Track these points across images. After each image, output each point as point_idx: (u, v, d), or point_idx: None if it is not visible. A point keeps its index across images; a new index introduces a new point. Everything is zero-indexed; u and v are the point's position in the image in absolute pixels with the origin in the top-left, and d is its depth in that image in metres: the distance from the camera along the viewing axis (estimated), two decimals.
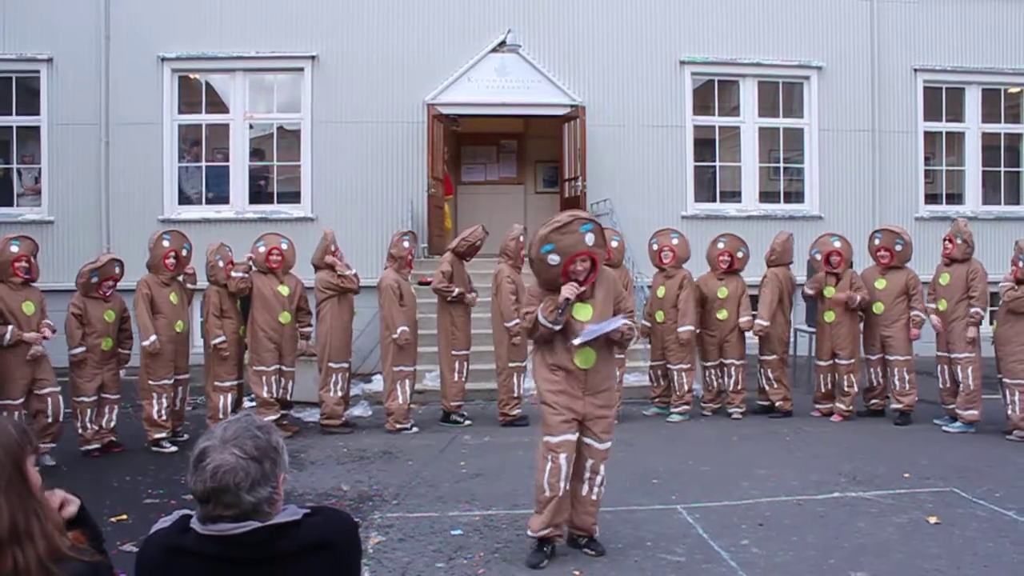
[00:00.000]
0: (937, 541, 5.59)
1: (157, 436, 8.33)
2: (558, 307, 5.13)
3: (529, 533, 5.37)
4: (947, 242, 9.13)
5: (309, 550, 2.07)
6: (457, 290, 9.25)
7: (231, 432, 2.08)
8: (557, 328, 5.17)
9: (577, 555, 5.39)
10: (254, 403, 8.96)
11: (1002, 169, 14.98)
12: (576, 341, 5.14)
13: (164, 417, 8.36)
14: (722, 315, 9.63)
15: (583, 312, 5.26)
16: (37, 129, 13.20)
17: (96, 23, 12.95)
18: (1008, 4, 14.54)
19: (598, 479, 5.40)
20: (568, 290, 5.15)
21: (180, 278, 8.76)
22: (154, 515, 6.06)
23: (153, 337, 8.22)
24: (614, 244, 9.37)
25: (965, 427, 8.86)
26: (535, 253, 5.22)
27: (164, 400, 8.35)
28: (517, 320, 8.97)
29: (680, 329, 9.39)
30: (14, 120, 13.31)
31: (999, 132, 14.99)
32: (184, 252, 8.70)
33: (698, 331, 9.60)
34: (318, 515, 2.15)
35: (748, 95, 14.19)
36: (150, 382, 8.34)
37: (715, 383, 9.79)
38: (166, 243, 8.56)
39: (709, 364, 9.77)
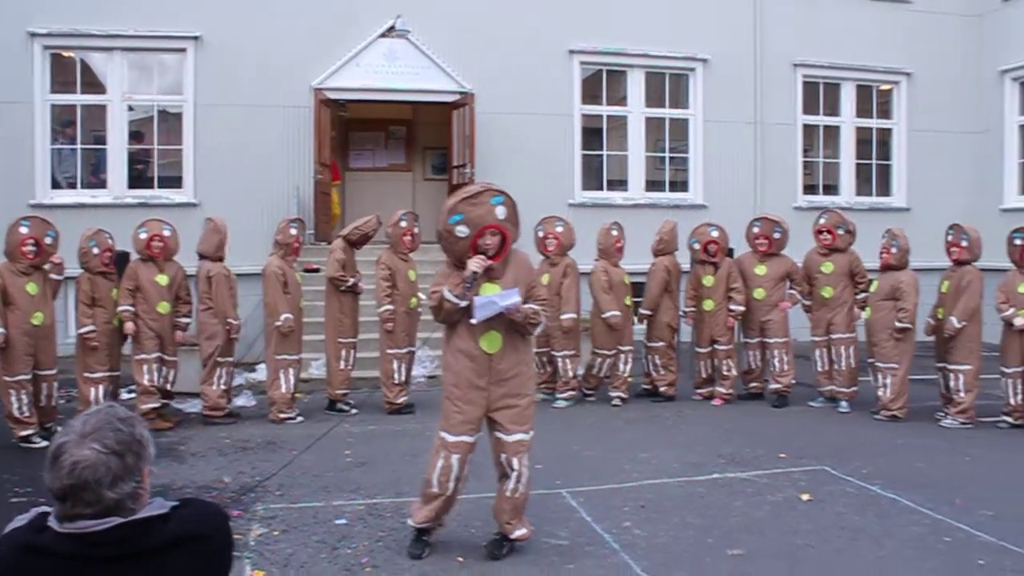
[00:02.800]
0: (808, 517, 5.83)
1: (23, 433, 7.95)
2: (464, 281, 4.90)
3: (410, 522, 5.28)
4: (826, 233, 9.47)
5: (176, 544, 1.99)
6: (351, 280, 9.16)
7: (91, 426, 1.98)
8: (463, 304, 4.92)
9: (463, 542, 5.38)
10: (133, 394, 8.67)
11: (874, 162, 15.64)
12: (474, 319, 4.91)
13: (27, 413, 7.94)
14: (628, 300, 9.77)
15: (491, 292, 5.00)
16: None
17: None
18: (882, 7, 15.18)
19: (515, 475, 5.14)
20: (475, 263, 4.89)
21: (47, 267, 8.26)
22: (20, 514, 5.83)
23: None
24: (559, 228, 9.45)
25: (849, 405, 9.26)
26: (443, 224, 4.97)
27: (24, 396, 7.91)
28: (387, 306, 8.94)
29: (563, 316, 9.49)
30: None
31: (871, 127, 15.64)
32: (48, 240, 8.14)
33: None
34: (186, 508, 2.07)
35: (635, 85, 14.41)
36: (5, 378, 7.87)
37: (604, 368, 9.92)
38: (24, 230, 8.00)
39: (606, 352, 9.84)
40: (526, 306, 5.02)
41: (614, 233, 9.81)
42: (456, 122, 13.64)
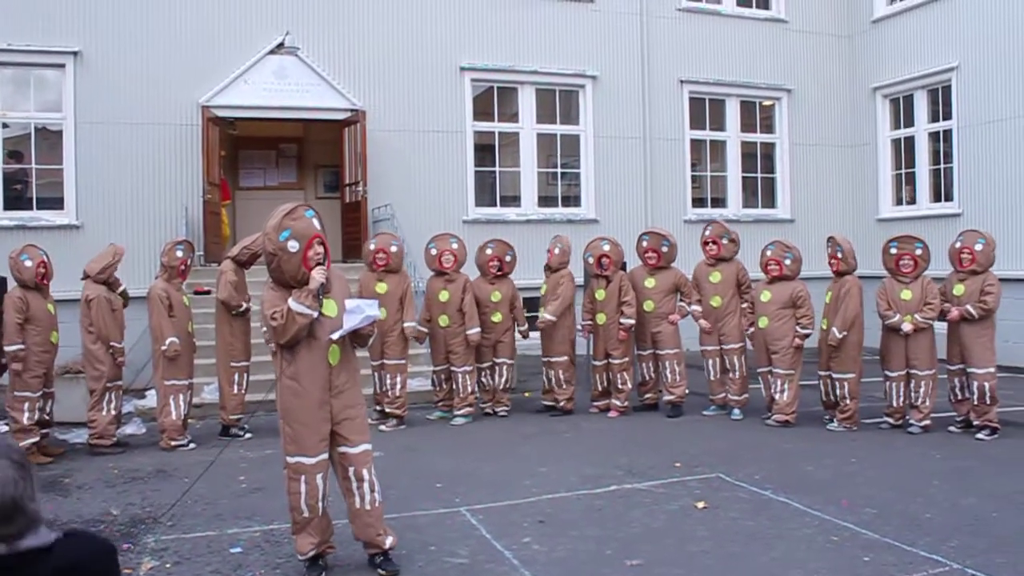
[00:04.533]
0: (705, 524, 5.95)
1: None
2: (312, 292, 4.90)
3: (300, 557, 5.20)
4: (712, 244, 9.74)
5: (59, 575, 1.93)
6: (245, 305, 8.98)
7: None
8: (315, 315, 4.92)
9: (360, 563, 5.32)
10: (7, 426, 8.29)
11: (759, 175, 16.19)
12: (336, 334, 4.96)
13: None
14: (496, 318, 9.86)
15: (329, 308, 5.04)
16: None
17: None
18: (762, 26, 15.76)
19: (365, 486, 5.13)
20: (319, 273, 4.93)
21: None
22: None
23: None
24: (393, 249, 9.37)
25: (742, 412, 9.51)
26: (273, 244, 4.92)
27: None
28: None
29: (469, 332, 9.52)
30: None
31: (756, 141, 16.18)
32: None
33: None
34: (70, 539, 2.01)
35: (526, 102, 14.58)
36: None
37: (492, 382, 9.99)
38: None
39: (483, 365, 9.95)
40: (379, 311, 5.20)
41: (488, 252, 9.97)
42: (348, 140, 13.53)
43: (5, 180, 12.47)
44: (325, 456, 5.11)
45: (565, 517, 6.19)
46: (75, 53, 12.36)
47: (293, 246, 4.94)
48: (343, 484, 5.20)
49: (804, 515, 6.12)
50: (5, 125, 12.56)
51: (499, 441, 8.78)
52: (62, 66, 12.44)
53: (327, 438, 5.10)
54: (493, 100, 14.53)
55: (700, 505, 6.38)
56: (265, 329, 5.07)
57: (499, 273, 9.94)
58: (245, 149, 15.19)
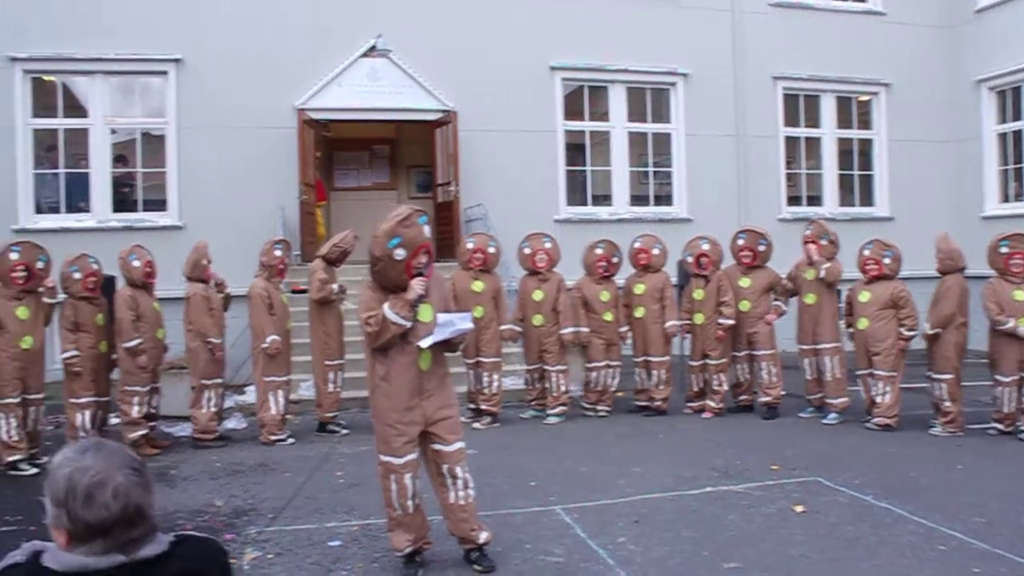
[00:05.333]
0: (803, 529, 5.83)
1: (10, 459, 7.88)
2: (410, 303, 4.99)
3: (396, 554, 5.27)
4: (810, 244, 9.51)
5: None
6: (335, 286, 9.14)
7: (108, 456, 1.95)
8: (408, 325, 5.00)
9: (457, 559, 5.37)
10: (119, 419, 8.61)
11: (855, 172, 15.77)
12: (425, 343, 5.00)
13: (15, 438, 7.88)
14: (608, 317, 9.81)
15: (425, 313, 5.08)
16: None
17: None
18: (859, 19, 15.35)
19: (460, 483, 5.20)
20: (420, 284, 5.01)
21: (41, 290, 8.25)
22: (13, 542, 5.77)
23: None
24: (491, 249, 9.44)
25: (839, 416, 9.26)
26: (381, 249, 4.99)
27: (12, 420, 7.87)
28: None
29: (564, 331, 9.54)
30: None
31: (852, 137, 15.77)
32: (40, 265, 8.17)
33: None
34: (186, 545, 2.03)
35: (617, 100, 14.49)
36: None
37: (603, 383, 9.95)
38: (14, 256, 8.03)
39: (596, 364, 9.90)
40: (470, 324, 5.19)
41: (597, 252, 9.91)
42: (439, 140, 13.67)
43: (113, 184, 12.95)
44: (413, 457, 5.17)
45: (660, 518, 6.15)
46: (177, 61, 12.76)
47: (400, 254, 5.00)
48: (436, 480, 5.27)
49: (907, 522, 5.94)
50: (113, 131, 13.03)
51: (592, 440, 8.76)
52: (165, 73, 12.87)
53: (415, 440, 5.16)
54: (583, 99, 14.48)
55: (798, 509, 6.25)
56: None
57: (606, 273, 9.90)
58: (339, 150, 15.46)
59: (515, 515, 6.21)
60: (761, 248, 9.82)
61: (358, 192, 15.48)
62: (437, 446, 5.20)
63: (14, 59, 12.36)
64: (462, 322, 5.14)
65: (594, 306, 9.82)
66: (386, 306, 4.99)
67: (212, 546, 2.13)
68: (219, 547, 2.15)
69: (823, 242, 9.48)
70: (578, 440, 8.79)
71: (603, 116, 14.60)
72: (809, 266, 9.49)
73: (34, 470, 7.92)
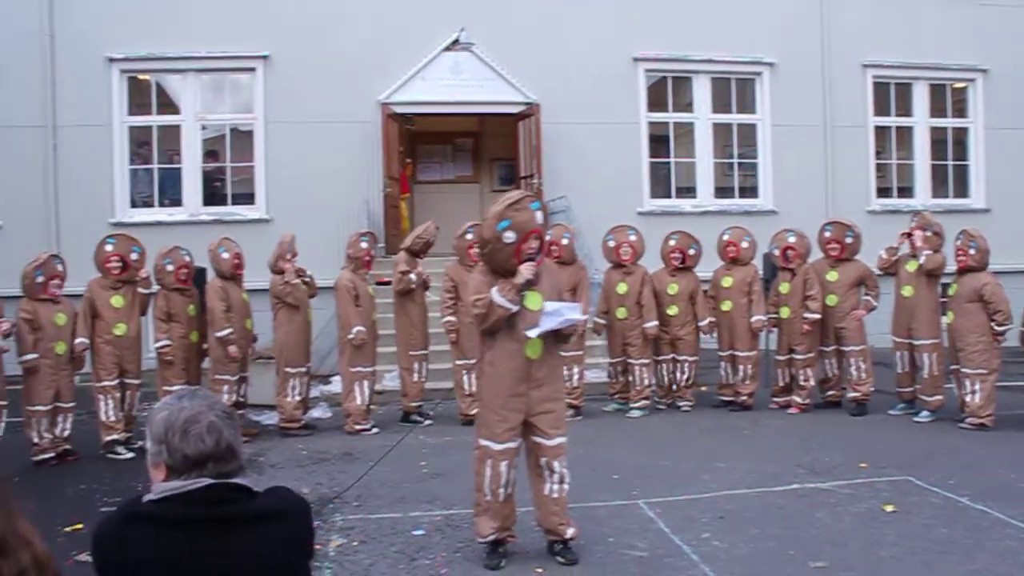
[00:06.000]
0: (894, 529, 5.68)
1: (108, 438, 8.20)
2: (517, 287, 5.00)
3: (479, 539, 5.30)
4: (916, 231, 9.20)
5: (264, 518, 2.09)
6: (414, 275, 9.23)
7: (199, 400, 2.14)
8: (515, 309, 5.02)
9: (540, 552, 5.37)
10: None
11: (950, 162, 15.26)
12: (533, 332, 4.99)
13: (113, 418, 8.24)
14: (672, 311, 9.72)
15: (533, 300, 5.09)
16: None
17: (40, 24, 12.66)
18: (953, 3, 14.81)
19: (556, 476, 5.22)
20: (528, 269, 5.01)
21: (137, 280, 8.57)
22: None
23: (80, 340, 8.14)
24: (564, 241, 9.41)
25: (932, 414, 8.98)
26: (490, 232, 5.03)
27: (110, 401, 8.25)
28: (449, 318, 9.02)
29: (646, 325, 9.48)
30: None
31: (946, 127, 15.27)
32: (134, 256, 8.50)
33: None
34: (272, 491, 2.20)
35: (701, 91, 14.30)
36: (95, 384, 8.31)
37: (667, 378, 9.86)
38: (109, 247, 8.44)
39: (662, 359, 9.84)
40: (582, 315, 5.17)
41: (671, 243, 9.84)
42: (522, 133, 13.68)
43: (204, 178, 13.31)
44: (513, 445, 5.18)
45: (745, 514, 6.06)
46: (264, 57, 13.05)
47: (509, 237, 5.02)
48: (534, 471, 5.29)
49: (1007, 526, 5.72)
50: (203, 127, 13.39)
51: (676, 435, 8.68)
52: (253, 70, 13.18)
53: (516, 427, 5.17)
54: (667, 90, 14.33)
55: (889, 508, 6.09)
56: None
57: (681, 266, 9.79)
58: (422, 143, 15.59)
59: (598, 508, 6.18)
60: (849, 240, 9.58)
61: (441, 185, 15.60)
62: (538, 439, 5.21)
63: (112, 59, 12.80)
64: (571, 312, 5.09)
65: (660, 299, 9.71)
66: (494, 289, 5.03)
67: (297, 495, 2.26)
68: (302, 498, 2.28)
69: (927, 234, 9.13)
70: (661, 434, 8.72)
71: (687, 107, 14.43)
72: (911, 257, 9.20)
73: (130, 454, 8.23)
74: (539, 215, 5.11)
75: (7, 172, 12.66)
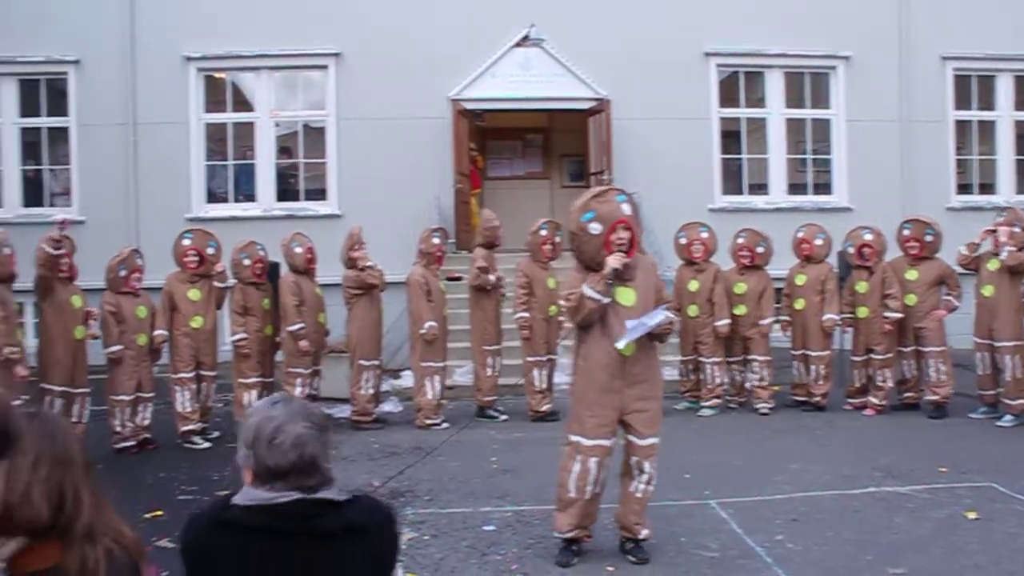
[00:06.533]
0: (976, 537, 5.52)
1: (185, 428, 8.40)
2: (605, 278, 4.98)
3: (556, 534, 5.29)
4: (991, 232, 8.94)
5: (350, 532, 2.10)
6: (492, 277, 9.26)
7: (292, 408, 2.14)
8: (606, 301, 5.00)
9: (612, 550, 5.35)
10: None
11: None
12: (620, 344, 4.96)
13: (189, 409, 8.46)
14: (740, 311, 9.60)
15: (626, 296, 5.08)
16: (66, 130, 13.28)
17: (121, 24, 13.00)
18: None
19: (645, 476, 5.21)
20: (615, 259, 4.98)
21: (213, 274, 8.75)
22: (189, 511, 6.12)
23: (159, 332, 8.38)
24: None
25: (1016, 419, 8.71)
26: (575, 224, 5.09)
27: (187, 393, 8.47)
28: (523, 313, 9.02)
29: (718, 323, 9.39)
30: (44, 122, 13.42)
31: None
32: (210, 251, 8.72)
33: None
34: (358, 502, 2.19)
35: (774, 86, 14.06)
36: (171, 375, 8.54)
37: (738, 378, 9.74)
38: (186, 242, 8.68)
39: (734, 360, 9.72)
40: (664, 316, 5.05)
41: (739, 241, 9.71)
42: (592, 129, 13.62)
43: (277, 174, 13.53)
44: (604, 443, 5.15)
45: (820, 517, 5.96)
46: (336, 55, 13.20)
47: (595, 228, 5.03)
48: (624, 468, 5.27)
49: None
50: (277, 124, 13.61)
51: (748, 435, 8.57)
52: (325, 67, 13.34)
53: (609, 424, 5.15)
54: (739, 85, 14.13)
55: (971, 515, 5.92)
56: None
57: (750, 264, 9.65)
58: (492, 139, 15.61)
59: (669, 507, 6.13)
60: (928, 239, 9.33)
61: (511, 181, 15.59)
62: (631, 437, 5.21)
63: (189, 59, 13.08)
64: (652, 319, 5.02)
65: (729, 298, 9.58)
66: (585, 283, 5.03)
67: (382, 506, 2.28)
68: (388, 508, 2.30)
69: (1016, 229, 8.84)
70: (733, 434, 8.61)
71: (759, 102, 14.21)
72: (993, 255, 8.93)
73: (207, 445, 8.44)
74: (625, 207, 5.10)
75: (91, 169, 13.07)
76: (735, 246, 9.75)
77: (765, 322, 9.61)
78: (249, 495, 2.09)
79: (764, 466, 7.28)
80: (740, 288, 9.62)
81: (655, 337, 5.17)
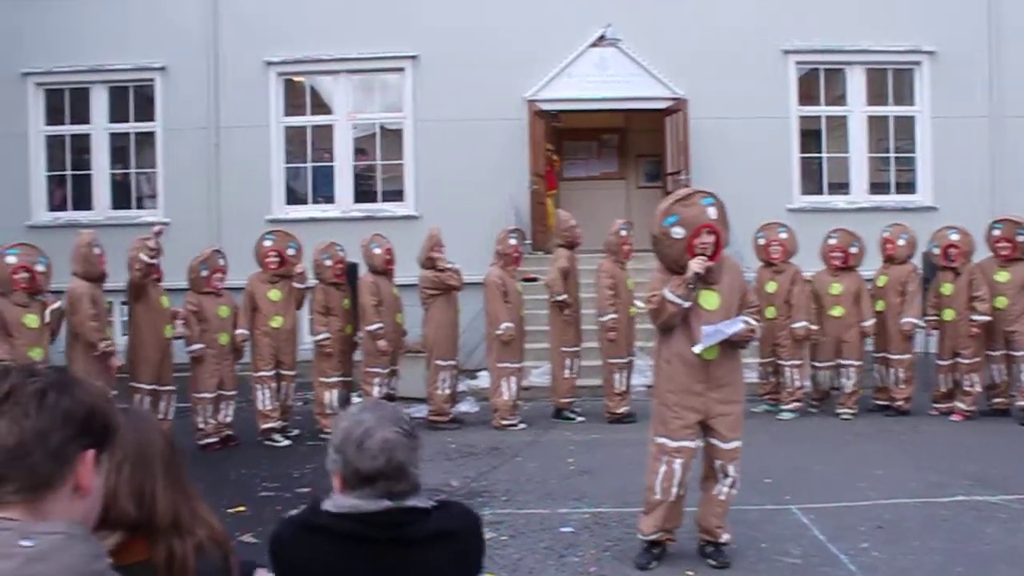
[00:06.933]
0: None
1: (265, 426, 8.57)
2: (687, 282, 4.95)
3: (640, 536, 5.27)
4: None
5: (437, 538, 2.12)
6: (563, 296, 9.24)
7: (382, 413, 2.15)
8: (687, 305, 4.97)
9: (692, 554, 5.30)
10: (360, 399, 9.12)
11: None
12: (697, 348, 4.93)
13: (270, 407, 8.61)
14: (837, 312, 9.37)
15: (709, 300, 5.04)
16: (152, 135, 13.68)
17: (205, 32, 13.33)
18: None
19: (729, 480, 5.17)
20: (697, 263, 4.93)
21: (293, 275, 8.91)
22: (270, 507, 6.26)
23: (240, 331, 8.54)
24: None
25: None
26: (658, 228, 5.05)
27: (267, 391, 8.64)
28: (612, 315, 8.97)
29: (795, 325, 9.22)
30: (131, 127, 13.83)
31: None
32: (290, 252, 8.87)
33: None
34: (445, 508, 2.20)
35: (855, 83, 13.75)
36: (252, 374, 8.72)
37: (827, 384, 9.52)
38: (267, 243, 8.86)
39: (823, 364, 9.50)
40: (742, 325, 4.99)
41: (830, 242, 9.51)
42: (669, 128, 13.50)
43: (355, 176, 13.72)
44: (688, 444, 5.13)
45: (906, 525, 5.81)
46: (413, 57, 13.32)
47: (677, 232, 5.01)
48: (707, 472, 5.24)
49: None
50: (354, 126, 13.79)
51: (829, 439, 8.40)
52: (402, 70, 13.48)
53: (693, 427, 5.12)
54: (819, 82, 13.85)
55: None
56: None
57: (843, 265, 9.44)
58: (568, 140, 15.57)
59: (749, 512, 6.03)
60: (1020, 239, 9.04)
61: (586, 182, 15.53)
62: (714, 441, 5.17)
63: (269, 63, 13.34)
64: (730, 328, 4.97)
65: (822, 300, 9.37)
66: (666, 286, 5.01)
67: (468, 511, 2.29)
68: (474, 513, 2.31)
69: None
70: (814, 438, 8.45)
71: (839, 100, 13.91)
72: None
73: (287, 442, 8.59)
74: (711, 210, 5.04)
75: (175, 172, 13.43)
76: (827, 247, 9.54)
77: (867, 323, 9.37)
78: (340, 502, 2.11)
79: (847, 471, 7.12)
80: (835, 289, 9.41)
81: (734, 344, 5.11)
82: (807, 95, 13.76)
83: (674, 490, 5.11)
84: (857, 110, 13.76)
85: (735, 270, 5.27)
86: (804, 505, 6.24)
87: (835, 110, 13.90)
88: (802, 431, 8.78)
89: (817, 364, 9.54)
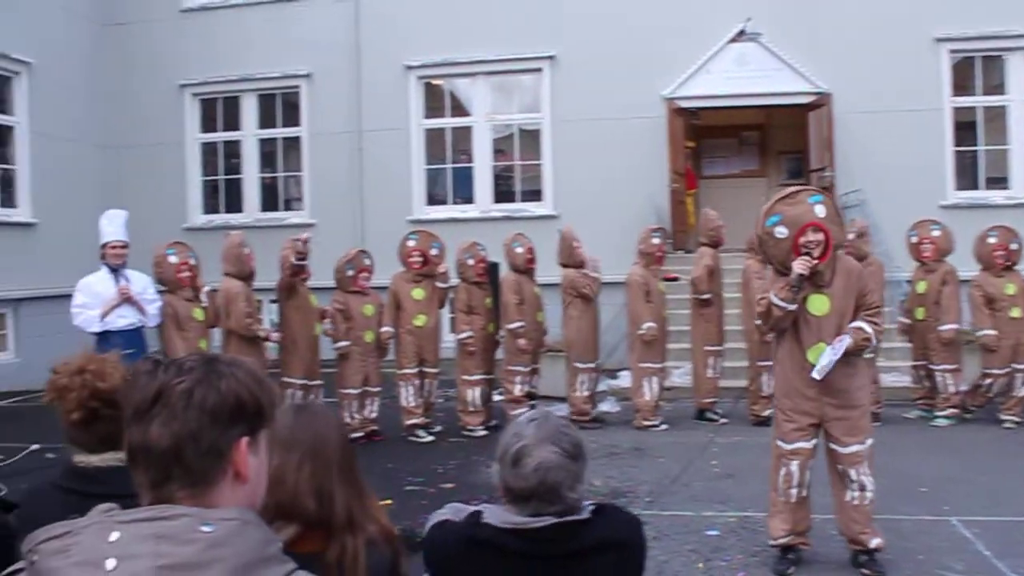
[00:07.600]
0: None
1: (409, 423, 8.76)
2: (790, 284, 4.79)
3: (770, 542, 5.16)
4: None
5: (600, 548, 2.10)
6: (708, 295, 9.12)
7: (544, 431, 2.11)
8: (792, 308, 4.83)
9: (842, 562, 5.14)
10: (502, 396, 9.23)
11: None
12: (816, 375, 4.80)
13: (413, 403, 8.80)
14: (1016, 313, 8.75)
15: (818, 304, 4.88)
16: (298, 140, 14.22)
17: (347, 38, 13.76)
18: None
19: (855, 484, 4.97)
20: (800, 264, 4.76)
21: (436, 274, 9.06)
22: (415, 501, 6.40)
23: (385, 328, 8.74)
24: (850, 236, 8.87)
25: None
26: (761, 227, 4.94)
27: (410, 388, 8.82)
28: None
29: (942, 328, 8.74)
30: (279, 132, 14.41)
31: None
32: (433, 251, 9.04)
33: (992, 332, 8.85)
34: (603, 514, 2.17)
35: (1017, 70, 13.00)
36: (397, 371, 8.91)
37: (994, 390, 9.00)
38: (411, 243, 9.02)
39: (999, 371, 8.88)
40: (848, 341, 4.80)
41: (990, 240, 8.95)
42: (812, 124, 13.13)
43: (494, 176, 13.89)
44: (805, 445, 5.02)
45: None
46: (550, 58, 13.39)
47: (781, 232, 4.89)
48: (833, 476, 5.11)
49: None
50: (493, 127, 13.97)
51: (991, 448, 7.98)
52: (539, 70, 13.58)
53: (806, 429, 5.01)
54: (975, 71, 13.19)
55: None
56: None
57: (1007, 264, 8.93)
58: (707, 138, 15.34)
59: (903, 522, 5.80)
60: (1014, 247, 8.40)
61: (727, 180, 15.28)
62: (832, 445, 5.04)
63: (409, 67, 13.67)
64: (839, 350, 4.79)
65: (996, 302, 8.84)
66: (772, 289, 4.91)
67: (628, 516, 2.27)
68: (634, 518, 2.29)
69: None
70: (973, 446, 8.03)
71: (998, 89, 13.21)
72: None
73: (430, 438, 8.78)
74: (819, 208, 4.88)
75: (321, 175, 13.92)
76: (988, 246, 8.92)
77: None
78: (503, 516, 2.11)
79: (1014, 482, 6.72)
80: (1011, 289, 8.77)
81: (852, 353, 4.90)
82: (961, 85, 13.13)
83: (794, 492, 5.01)
84: (1018, 99, 13.01)
85: (853, 271, 5.05)
86: (965, 517, 5.93)
87: (993, 100, 13.21)
88: (960, 439, 8.35)
89: (991, 372, 8.85)
